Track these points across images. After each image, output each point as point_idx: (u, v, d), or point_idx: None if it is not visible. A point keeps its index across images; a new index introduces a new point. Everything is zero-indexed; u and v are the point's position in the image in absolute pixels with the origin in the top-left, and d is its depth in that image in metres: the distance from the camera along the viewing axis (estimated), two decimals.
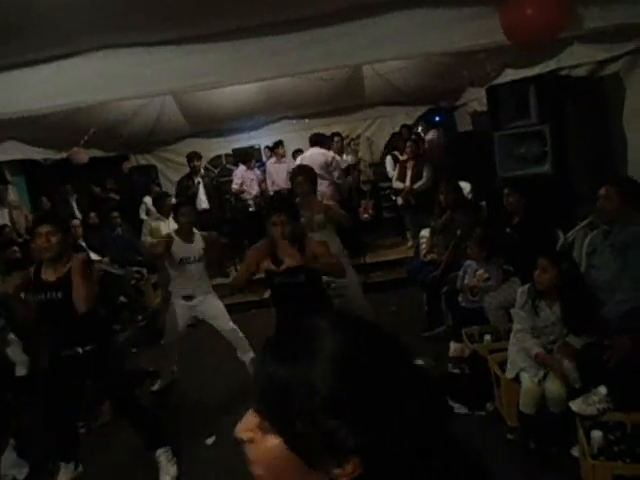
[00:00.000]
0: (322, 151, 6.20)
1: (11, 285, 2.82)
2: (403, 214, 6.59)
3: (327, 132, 7.12)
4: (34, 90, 3.07)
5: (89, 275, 2.81)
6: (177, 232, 3.90)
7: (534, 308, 2.72)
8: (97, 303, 2.92)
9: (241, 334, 4.05)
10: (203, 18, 2.80)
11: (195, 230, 3.95)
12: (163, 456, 3.01)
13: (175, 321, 3.98)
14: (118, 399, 3.08)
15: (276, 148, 7.29)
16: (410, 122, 7.65)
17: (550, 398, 2.57)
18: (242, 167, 7.31)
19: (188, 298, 3.94)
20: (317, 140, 6.28)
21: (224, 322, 4.03)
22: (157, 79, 3.09)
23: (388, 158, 6.75)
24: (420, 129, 7.36)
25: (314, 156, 6.17)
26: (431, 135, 7.23)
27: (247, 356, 4.04)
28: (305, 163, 6.00)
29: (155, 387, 4.16)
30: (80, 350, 2.82)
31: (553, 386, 2.56)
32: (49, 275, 2.78)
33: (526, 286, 2.82)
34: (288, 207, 2.94)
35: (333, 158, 6.11)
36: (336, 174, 6.10)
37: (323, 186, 6.31)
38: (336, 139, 6.84)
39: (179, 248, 3.85)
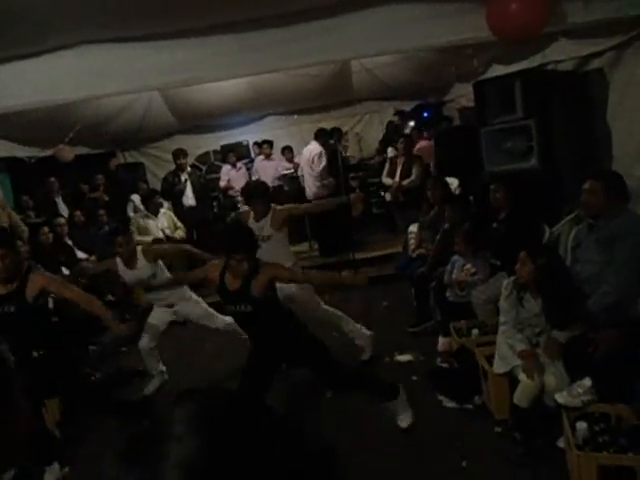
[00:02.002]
0: (312, 147, 6.26)
1: None
2: (392, 210, 6.60)
3: (315, 128, 7.14)
4: (16, 86, 3.02)
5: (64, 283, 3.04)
6: (122, 259, 3.81)
7: (519, 300, 2.75)
8: (45, 308, 3.04)
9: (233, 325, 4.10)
10: (189, 13, 2.77)
11: (139, 254, 3.82)
12: None
13: (153, 326, 3.98)
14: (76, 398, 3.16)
15: (261, 146, 7.31)
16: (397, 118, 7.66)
17: (548, 392, 2.58)
18: (227, 166, 7.35)
19: (167, 306, 3.98)
20: (316, 134, 6.45)
21: (211, 320, 4.05)
22: (142, 75, 3.06)
23: (390, 149, 6.74)
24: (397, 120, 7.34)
25: (305, 151, 6.28)
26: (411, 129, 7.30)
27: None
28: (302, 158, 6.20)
29: (146, 392, 4.08)
30: (35, 354, 2.93)
31: (552, 380, 2.58)
32: (2, 289, 2.88)
33: (511, 278, 2.85)
34: (247, 243, 2.78)
35: (317, 154, 6.14)
36: (317, 170, 6.13)
37: (309, 182, 6.37)
38: None
39: (125, 275, 3.84)
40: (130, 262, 3.79)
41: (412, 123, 7.63)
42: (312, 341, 2.88)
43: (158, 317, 4.01)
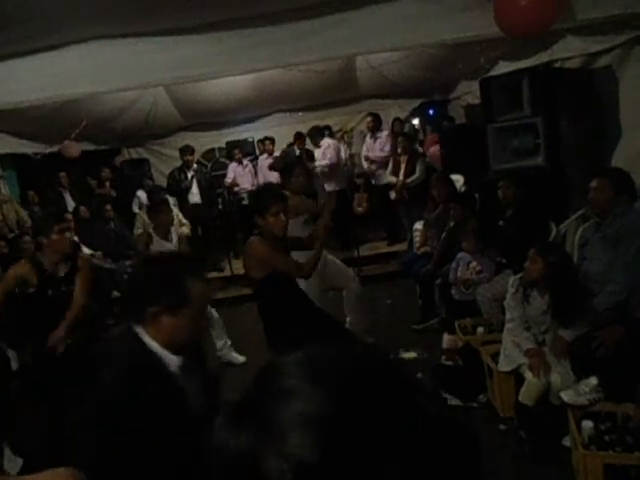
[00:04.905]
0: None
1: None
2: (397, 208, 6.58)
3: (320, 125, 7.18)
4: (23, 82, 3.02)
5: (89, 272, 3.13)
6: (155, 229, 3.96)
7: (525, 298, 2.74)
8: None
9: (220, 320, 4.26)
10: (195, 8, 2.77)
11: (172, 229, 4.05)
12: None
13: None
14: None
15: (263, 143, 7.30)
16: (403, 116, 7.64)
17: (554, 390, 2.58)
18: (234, 163, 7.35)
19: None
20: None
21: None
22: (148, 70, 3.06)
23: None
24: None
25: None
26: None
27: (219, 342, 4.25)
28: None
29: None
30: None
31: (558, 378, 2.58)
32: (58, 270, 2.93)
33: (517, 276, 2.84)
34: (283, 196, 2.91)
35: None
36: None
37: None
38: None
39: (158, 246, 3.90)
40: (166, 233, 4.02)
41: (416, 121, 7.62)
42: None
43: None
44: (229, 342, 4.33)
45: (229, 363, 4.28)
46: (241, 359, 4.27)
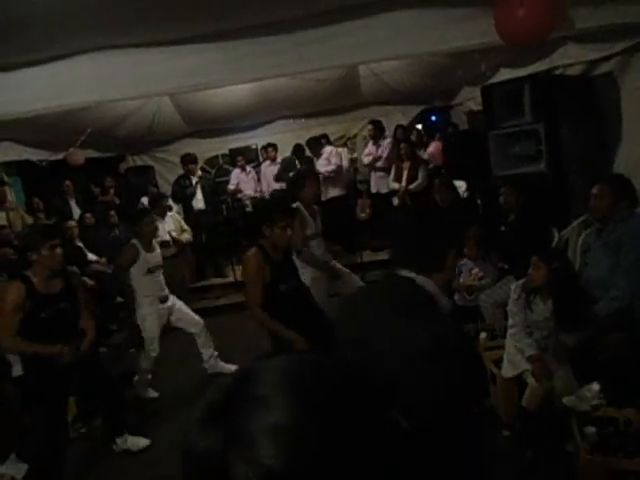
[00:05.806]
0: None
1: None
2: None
3: (323, 132, 7.22)
4: (30, 91, 3.07)
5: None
6: (139, 242, 3.99)
7: (528, 303, 2.75)
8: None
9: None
10: (198, 18, 2.81)
11: (154, 241, 4.11)
12: (127, 438, 3.31)
13: (155, 329, 4.01)
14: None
15: (266, 150, 7.34)
16: (405, 122, 7.67)
17: (557, 396, 2.58)
18: (237, 170, 7.39)
19: (164, 300, 4.05)
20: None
21: (192, 317, 4.20)
22: (152, 80, 3.10)
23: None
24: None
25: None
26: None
27: (207, 352, 4.25)
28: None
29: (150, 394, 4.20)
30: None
31: (561, 384, 2.58)
32: (50, 288, 2.83)
33: (520, 282, 2.85)
34: (291, 211, 3.08)
35: None
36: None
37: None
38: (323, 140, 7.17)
39: (144, 258, 3.95)
40: (150, 244, 4.06)
41: (419, 126, 7.67)
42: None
43: (156, 323, 3.99)
44: (216, 352, 4.30)
45: (219, 373, 4.22)
46: (233, 368, 4.20)
